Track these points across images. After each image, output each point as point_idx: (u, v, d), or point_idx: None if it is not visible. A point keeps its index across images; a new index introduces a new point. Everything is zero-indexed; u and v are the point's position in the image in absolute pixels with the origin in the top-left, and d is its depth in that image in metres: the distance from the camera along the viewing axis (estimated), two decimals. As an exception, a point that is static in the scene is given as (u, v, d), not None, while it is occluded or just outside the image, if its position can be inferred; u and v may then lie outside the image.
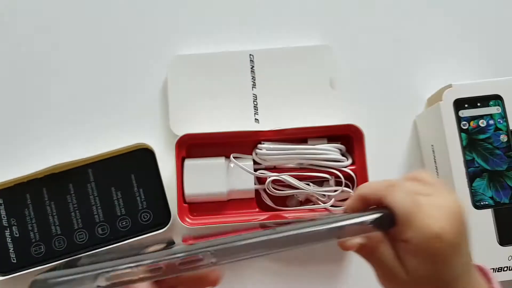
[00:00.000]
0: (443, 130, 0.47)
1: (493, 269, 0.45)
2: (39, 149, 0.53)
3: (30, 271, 0.48)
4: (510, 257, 0.45)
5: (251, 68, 0.52)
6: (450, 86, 0.48)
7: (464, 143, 0.47)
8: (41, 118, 0.53)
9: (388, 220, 0.27)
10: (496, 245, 0.46)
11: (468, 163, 0.47)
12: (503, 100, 0.47)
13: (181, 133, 0.49)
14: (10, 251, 0.49)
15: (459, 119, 0.47)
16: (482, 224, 0.46)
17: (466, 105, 0.47)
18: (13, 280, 0.49)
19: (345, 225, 0.27)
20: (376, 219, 0.27)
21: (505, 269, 0.45)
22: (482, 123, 0.47)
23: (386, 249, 0.28)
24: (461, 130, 0.47)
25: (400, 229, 0.27)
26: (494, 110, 0.48)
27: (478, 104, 0.47)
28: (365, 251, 0.29)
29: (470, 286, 0.28)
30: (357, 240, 0.29)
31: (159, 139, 0.53)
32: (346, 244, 0.29)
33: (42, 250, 0.49)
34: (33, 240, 0.49)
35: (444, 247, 0.26)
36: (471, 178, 0.47)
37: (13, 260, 0.49)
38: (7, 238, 0.49)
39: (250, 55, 0.52)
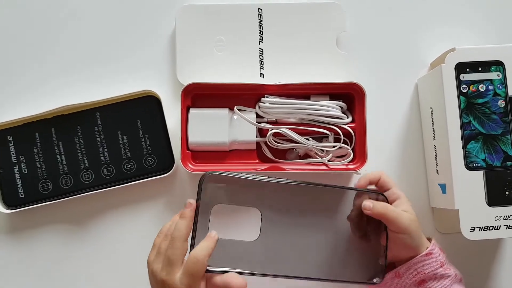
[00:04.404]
0: (442, 92, 0.48)
1: (479, 227, 0.47)
2: (49, 91, 0.54)
3: (37, 206, 0.51)
4: (496, 217, 0.47)
5: (259, 22, 0.53)
6: (453, 49, 0.49)
7: (463, 106, 0.48)
8: (52, 61, 0.54)
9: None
10: (485, 205, 0.47)
11: (464, 126, 0.48)
12: (504, 66, 0.48)
13: (187, 83, 0.50)
14: (18, 186, 0.51)
15: (459, 82, 0.48)
16: (473, 185, 0.47)
17: (467, 69, 0.48)
18: (20, 213, 0.51)
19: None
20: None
21: (491, 228, 0.47)
22: (482, 87, 0.48)
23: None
24: (460, 93, 0.48)
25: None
26: (494, 75, 0.49)
27: (480, 69, 0.48)
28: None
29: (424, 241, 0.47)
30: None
31: (166, 89, 0.54)
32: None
33: (49, 187, 0.51)
34: (41, 177, 0.51)
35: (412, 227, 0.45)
36: (466, 140, 0.48)
37: (21, 195, 0.51)
38: (16, 174, 0.51)
39: (259, 9, 0.53)
